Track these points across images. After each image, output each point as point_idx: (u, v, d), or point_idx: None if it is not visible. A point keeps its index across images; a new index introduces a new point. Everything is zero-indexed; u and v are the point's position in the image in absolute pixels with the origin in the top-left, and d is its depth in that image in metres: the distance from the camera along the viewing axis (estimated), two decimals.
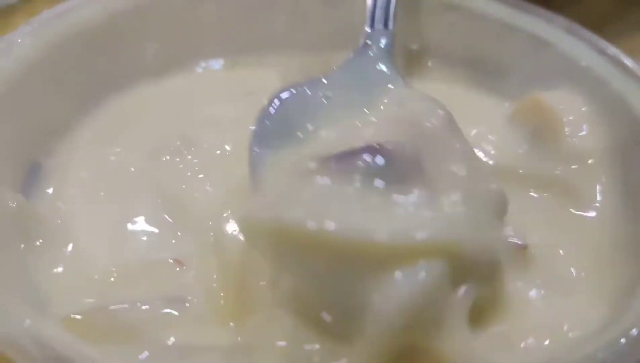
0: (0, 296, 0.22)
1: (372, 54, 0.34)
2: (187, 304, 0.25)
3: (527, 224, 0.29)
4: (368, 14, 0.37)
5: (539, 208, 0.32)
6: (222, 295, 0.26)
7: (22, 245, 0.27)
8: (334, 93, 0.30)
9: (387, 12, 0.36)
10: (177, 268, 0.27)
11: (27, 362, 0.20)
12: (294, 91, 0.29)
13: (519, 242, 0.28)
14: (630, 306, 0.23)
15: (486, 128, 0.36)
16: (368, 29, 0.36)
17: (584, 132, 0.33)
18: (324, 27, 0.41)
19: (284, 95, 0.29)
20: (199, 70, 0.40)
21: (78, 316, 0.24)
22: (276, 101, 0.29)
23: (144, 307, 0.24)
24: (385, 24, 0.36)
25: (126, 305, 0.24)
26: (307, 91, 0.29)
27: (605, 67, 0.35)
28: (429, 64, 0.41)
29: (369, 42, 0.35)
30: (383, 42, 0.35)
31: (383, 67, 0.33)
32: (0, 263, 0.25)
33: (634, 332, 0.21)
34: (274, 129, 0.28)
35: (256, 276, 0.25)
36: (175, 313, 0.25)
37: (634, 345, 0.20)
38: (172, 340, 0.24)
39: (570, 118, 0.34)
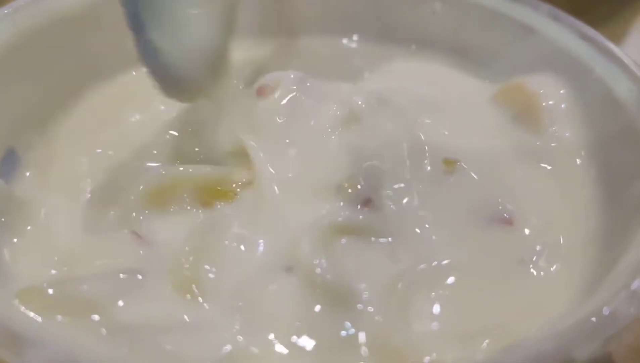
0: None
1: None
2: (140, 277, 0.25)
3: (510, 197, 0.30)
4: None
5: (520, 181, 0.32)
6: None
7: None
8: None
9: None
10: (137, 245, 0.27)
11: None
12: None
13: (506, 216, 0.29)
14: (601, 288, 0.23)
15: (469, 108, 0.36)
16: None
17: (563, 116, 0.34)
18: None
19: None
20: None
21: (33, 289, 0.24)
22: None
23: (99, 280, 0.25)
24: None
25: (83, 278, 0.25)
26: None
27: (587, 52, 0.34)
28: (413, 47, 0.41)
29: None
30: None
31: None
32: None
33: (605, 310, 0.20)
34: None
35: None
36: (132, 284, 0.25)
37: (603, 324, 0.20)
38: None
39: (550, 103, 0.35)
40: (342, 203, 0.29)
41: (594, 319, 0.20)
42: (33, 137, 0.33)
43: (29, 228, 0.28)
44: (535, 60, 0.37)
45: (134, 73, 0.38)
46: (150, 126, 0.34)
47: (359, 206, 0.29)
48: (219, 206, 0.29)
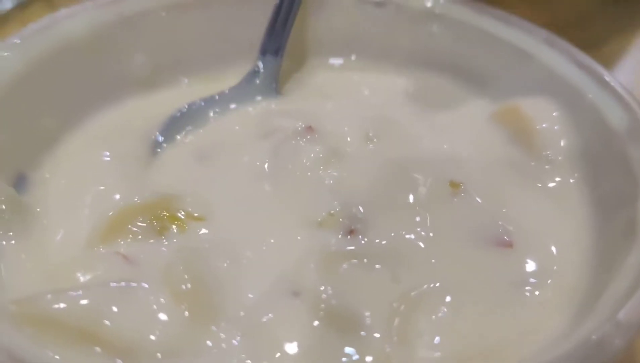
0: None
1: (258, 81, 0.40)
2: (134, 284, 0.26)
3: (509, 218, 0.32)
4: (262, 42, 0.41)
5: (518, 201, 0.33)
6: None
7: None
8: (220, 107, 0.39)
9: (280, 41, 0.40)
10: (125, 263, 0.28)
11: None
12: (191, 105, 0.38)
13: (506, 238, 0.31)
14: (590, 317, 0.24)
15: (468, 126, 0.38)
16: (260, 59, 0.41)
17: (556, 139, 0.35)
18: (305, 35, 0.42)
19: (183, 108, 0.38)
20: (183, 85, 0.41)
21: (28, 299, 0.24)
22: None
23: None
24: (276, 53, 0.41)
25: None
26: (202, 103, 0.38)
27: (581, 78, 0.36)
28: (411, 67, 0.42)
29: (258, 68, 0.40)
30: (271, 69, 0.40)
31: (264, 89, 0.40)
32: None
33: (592, 341, 0.21)
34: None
35: None
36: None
37: (590, 355, 0.21)
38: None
39: (544, 126, 0.36)
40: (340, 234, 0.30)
41: (581, 349, 0.21)
42: (41, 159, 0.34)
43: (29, 235, 0.30)
44: (531, 83, 0.38)
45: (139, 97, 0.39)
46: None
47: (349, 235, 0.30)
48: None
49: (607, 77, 0.35)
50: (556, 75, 0.37)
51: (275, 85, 0.41)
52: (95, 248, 0.29)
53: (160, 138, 0.36)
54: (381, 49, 0.43)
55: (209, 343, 0.25)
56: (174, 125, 0.37)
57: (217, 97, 0.39)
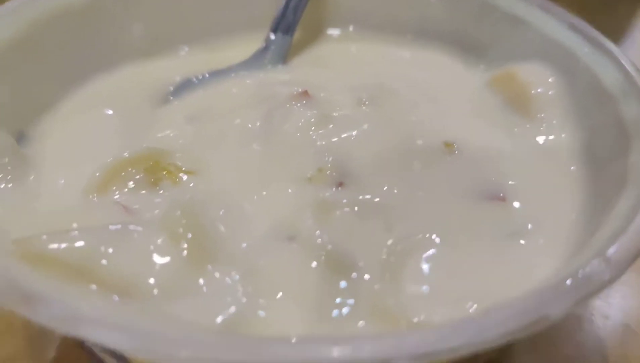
0: None
1: (266, 57, 0.41)
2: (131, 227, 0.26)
3: (503, 176, 0.32)
4: (274, 20, 0.41)
5: (512, 161, 0.34)
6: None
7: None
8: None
9: (292, 21, 0.41)
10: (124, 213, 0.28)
11: None
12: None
13: (500, 194, 0.31)
14: (580, 254, 0.24)
15: (463, 94, 0.38)
16: (271, 35, 0.41)
17: (551, 102, 0.36)
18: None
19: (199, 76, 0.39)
20: (182, 53, 0.42)
21: (26, 240, 0.25)
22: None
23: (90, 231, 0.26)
24: (287, 32, 0.41)
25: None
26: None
27: (576, 42, 0.36)
28: (408, 37, 0.43)
29: (268, 45, 0.41)
30: (281, 47, 0.41)
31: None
32: None
33: (580, 274, 0.22)
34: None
35: None
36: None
37: (578, 286, 0.21)
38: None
39: (539, 90, 0.37)
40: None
41: (569, 281, 0.21)
42: (41, 118, 0.35)
43: (28, 181, 0.31)
44: (526, 49, 0.39)
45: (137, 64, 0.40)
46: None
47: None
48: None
49: (602, 39, 0.35)
50: (551, 40, 0.37)
51: (282, 62, 0.41)
52: (91, 197, 0.30)
53: (171, 97, 0.37)
54: (379, 19, 0.43)
55: (205, 282, 0.25)
56: (182, 89, 0.38)
57: (226, 71, 0.40)
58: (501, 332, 0.20)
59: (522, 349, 0.34)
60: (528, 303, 0.21)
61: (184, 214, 0.27)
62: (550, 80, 0.37)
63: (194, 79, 0.39)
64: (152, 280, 0.25)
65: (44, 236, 0.25)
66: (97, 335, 0.20)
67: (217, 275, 0.26)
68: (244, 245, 0.27)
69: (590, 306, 0.35)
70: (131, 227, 0.26)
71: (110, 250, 0.25)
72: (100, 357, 0.28)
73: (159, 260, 0.25)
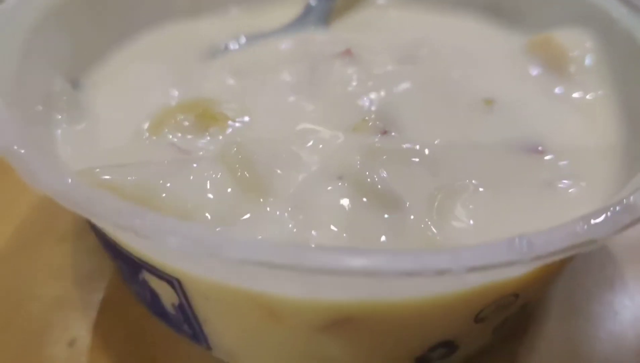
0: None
1: (310, 19, 0.42)
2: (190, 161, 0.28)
3: (541, 131, 0.33)
4: None
5: (549, 118, 0.34)
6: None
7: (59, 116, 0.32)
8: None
9: None
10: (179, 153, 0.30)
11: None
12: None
13: (538, 147, 0.32)
14: (622, 190, 0.25)
15: (500, 58, 0.39)
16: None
17: (588, 65, 0.37)
18: None
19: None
20: (228, 15, 0.43)
21: (87, 171, 0.26)
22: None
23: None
24: None
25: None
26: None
27: (613, 5, 0.37)
28: (447, 4, 0.44)
29: (310, 7, 0.43)
30: (323, 10, 0.43)
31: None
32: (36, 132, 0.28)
33: (624, 201, 0.23)
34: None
35: None
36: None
37: (622, 211, 0.22)
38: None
39: (576, 53, 0.37)
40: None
41: (616, 208, 0.22)
42: (93, 68, 0.36)
43: (83, 125, 0.32)
44: (563, 15, 0.39)
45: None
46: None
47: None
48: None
49: (638, 1, 0.36)
50: (588, 4, 0.38)
51: (324, 25, 0.43)
52: (144, 138, 0.31)
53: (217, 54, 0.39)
54: None
55: (258, 214, 0.27)
56: (227, 48, 0.40)
57: (270, 33, 0.41)
58: (550, 250, 0.21)
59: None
60: (576, 226, 0.22)
61: (240, 151, 0.28)
62: (587, 44, 0.37)
63: (239, 39, 0.40)
64: (207, 212, 0.26)
65: (106, 167, 0.26)
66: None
67: (268, 209, 0.27)
68: (295, 182, 0.29)
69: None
70: (189, 161, 0.27)
71: (169, 181, 0.26)
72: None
73: (215, 193, 0.27)
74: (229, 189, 0.27)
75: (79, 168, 0.27)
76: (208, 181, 0.27)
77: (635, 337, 0.34)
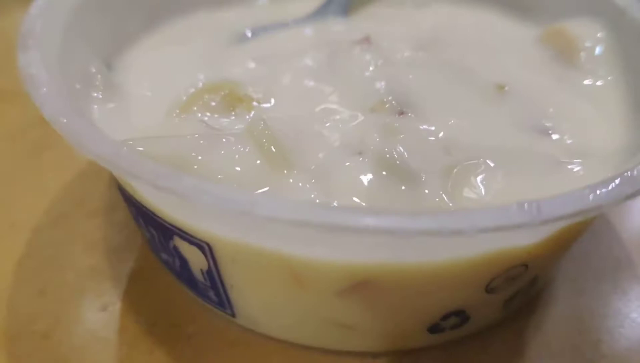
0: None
1: (331, 9, 0.44)
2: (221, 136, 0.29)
3: (552, 115, 0.35)
4: None
5: (560, 103, 0.36)
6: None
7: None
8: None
9: None
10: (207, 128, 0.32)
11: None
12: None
13: (549, 130, 0.34)
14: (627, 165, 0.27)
15: (513, 48, 0.41)
16: None
17: (599, 55, 0.38)
18: None
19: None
20: (252, 5, 0.45)
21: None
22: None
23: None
24: None
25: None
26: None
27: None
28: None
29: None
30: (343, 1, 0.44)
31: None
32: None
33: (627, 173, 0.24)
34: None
35: None
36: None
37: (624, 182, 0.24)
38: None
39: (588, 44, 0.39)
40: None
41: (618, 179, 0.24)
42: (124, 52, 0.38)
43: (116, 104, 0.34)
44: (576, 7, 0.41)
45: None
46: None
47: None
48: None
49: None
50: None
51: (344, 15, 0.45)
52: (174, 115, 0.33)
53: (249, 34, 0.41)
54: None
55: (282, 185, 0.28)
56: (250, 36, 0.41)
57: (291, 22, 0.43)
58: (558, 214, 0.22)
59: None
60: (583, 193, 0.23)
61: (267, 126, 0.30)
62: (599, 35, 0.39)
63: (263, 28, 0.42)
64: (235, 184, 0.28)
65: (140, 139, 0.28)
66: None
67: (291, 180, 0.29)
68: (317, 157, 0.30)
69: None
70: (219, 136, 0.29)
71: (200, 157, 0.28)
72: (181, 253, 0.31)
73: (243, 166, 0.28)
74: (257, 162, 0.28)
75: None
76: (237, 155, 0.28)
77: None
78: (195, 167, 0.28)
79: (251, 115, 0.34)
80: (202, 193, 0.23)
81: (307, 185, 0.29)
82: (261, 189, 0.28)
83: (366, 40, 0.39)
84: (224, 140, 0.29)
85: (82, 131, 0.25)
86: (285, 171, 0.29)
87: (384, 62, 0.37)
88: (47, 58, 0.30)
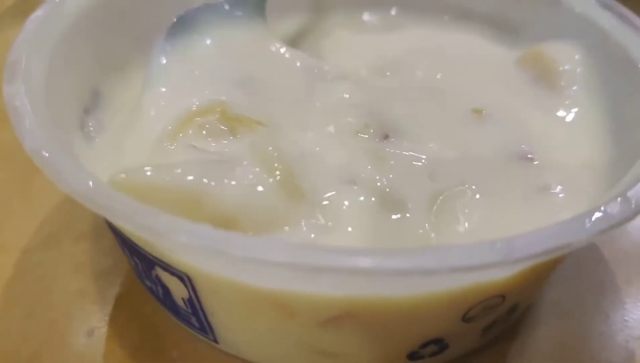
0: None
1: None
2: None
3: (531, 140, 0.35)
4: None
5: (539, 128, 0.36)
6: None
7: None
8: None
9: None
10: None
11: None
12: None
13: (528, 155, 0.34)
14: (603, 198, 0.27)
15: (493, 70, 0.41)
16: None
17: (578, 79, 0.39)
18: None
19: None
20: None
21: (123, 175, 0.28)
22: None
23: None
24: None
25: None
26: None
27: (607, 20, 0.38)
28: (445, 18, 0.46)
29: None
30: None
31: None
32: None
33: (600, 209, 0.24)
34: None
35: None
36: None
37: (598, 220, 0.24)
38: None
39: (566, 67, 0.39)
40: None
41: (591, 215, 0.24)
42: (114, 80, 0.38)
43: (106, 133, 0.35)
44: (558, 29, 0.41)
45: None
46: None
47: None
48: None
49: (632, 16, 0.37)
50: (581, 18, 0.40)
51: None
52: (165, 144, 0.32)
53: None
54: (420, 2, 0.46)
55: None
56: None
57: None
58: (530, 253, 0.23)
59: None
60: (557, 229, 0.23)
61: (275, 149, 0.30)
62: (577, 57, 0.39)
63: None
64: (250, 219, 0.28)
65: (151, 167, 0.28)
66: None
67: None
68: (313, 184, 0.30)
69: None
70: (226, 163, 0.29)
71: (213, 183, 0.28)
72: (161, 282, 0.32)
73: (258, 189, 0.29)
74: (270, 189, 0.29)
75: (106, 172, 0.29)
76: (249, 180, 0.29)
77: (625, 340, 0.35)
78: (209, 192, 0.28)
79: (247, 136, 0.33)
80: (178, 232, 0.23)
81: (308, 214, 0.29)
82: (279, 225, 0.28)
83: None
84: (234, 165, 0.29)
85: (60, 165, 0.25)
86: (299, 201, 0.29)
87: (362, 87, 0.38)
88: (33, 89, 0.30)
